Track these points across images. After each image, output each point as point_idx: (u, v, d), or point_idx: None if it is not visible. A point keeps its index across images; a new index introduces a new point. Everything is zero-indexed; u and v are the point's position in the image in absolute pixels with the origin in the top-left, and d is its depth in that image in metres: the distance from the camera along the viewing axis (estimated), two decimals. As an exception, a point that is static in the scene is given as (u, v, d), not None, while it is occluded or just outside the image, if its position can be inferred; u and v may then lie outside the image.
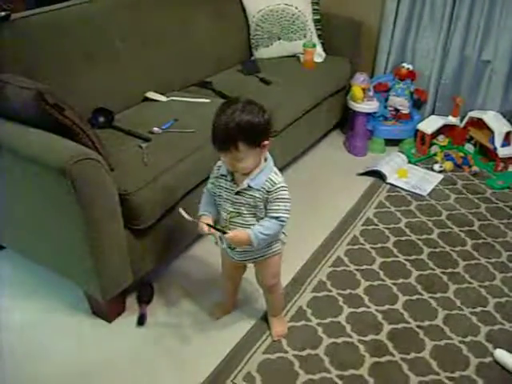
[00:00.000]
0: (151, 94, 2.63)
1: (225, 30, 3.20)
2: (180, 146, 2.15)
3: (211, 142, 1.56)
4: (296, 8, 3.23)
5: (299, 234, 2.30)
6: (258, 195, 1.61)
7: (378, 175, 3.01)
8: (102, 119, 2.33)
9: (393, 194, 2.87)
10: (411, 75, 3.31)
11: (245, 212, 1.66)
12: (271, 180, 1.61)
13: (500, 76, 3.16)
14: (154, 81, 2.70)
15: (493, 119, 3.09)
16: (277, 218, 1.62)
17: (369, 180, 3.00)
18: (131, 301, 2.10)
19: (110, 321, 2.03)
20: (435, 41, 3.28)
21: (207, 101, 2.62)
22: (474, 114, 3.19)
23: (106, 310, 2.00)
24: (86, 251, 1.77)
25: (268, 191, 1.61)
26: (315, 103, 3.09)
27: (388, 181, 2.97)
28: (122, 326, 2.01)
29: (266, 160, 1.64)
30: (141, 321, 2.01)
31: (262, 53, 3.31)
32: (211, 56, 3.08)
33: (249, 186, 1.61)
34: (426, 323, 2.00)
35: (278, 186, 1.61)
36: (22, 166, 1.73)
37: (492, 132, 3.05)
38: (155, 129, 2.25)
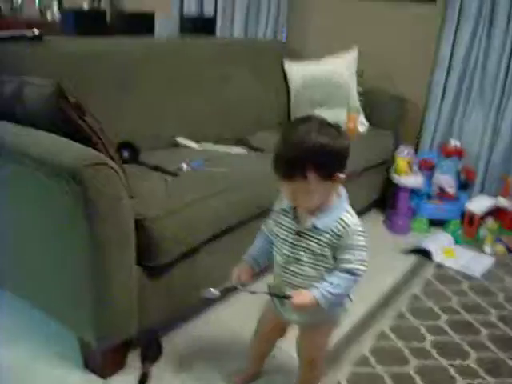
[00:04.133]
0: (182, 140, 2.45)
1: (264, 92, 3.08)
2: (209, 185, 1.92)
3: (272, 167, 1.25)
4: (341, 76, 3.12)
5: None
6: (324, 239, 1.29)
7: (423, 254, 2.70)
8: (126, 154, 2.13)
9: (441, 272, 2.54)
10: (458, 152, 3.09)
11: (304, 259, 1.33)
12: (343, 221, 1.28)
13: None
14: (188, 128, 2.54)
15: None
16: (349, 271, 1.28)
17: (413, 258, 2.69)
18: (133, 357, 1.75)
19: (104, 377, 1.67)
20: (485, 117, 3.09)
21: (243, 151, 2.42)
22: (528, 195, 2.92)
23: (102, 362, 1.66)
24: (86, 284, 1.49)
25: (338, 235, 1.28)
26: (357, 173, 2.86)
27: (435, 259, 2.66)
28: (119, 385, 1.66)
29: (339, 197, 1.33)
30: (142, 381, 1.66)
31: (301, 120, 3.15)
32: (248, 115, 2.94)
33: (314, 227, 1.30)
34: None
35: (353, 228, 1.28)
36: (23, 171, 1.49)
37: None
38: (184, 165, 2.04)
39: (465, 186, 3.20)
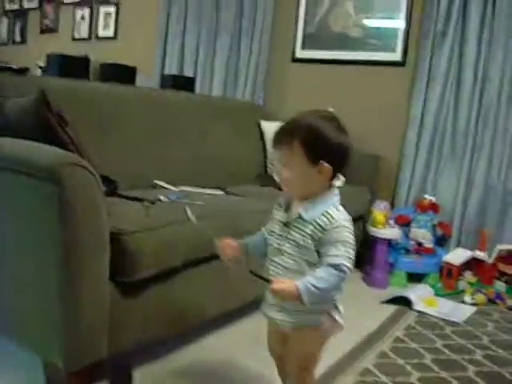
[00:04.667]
0: (161, 182, 2.44)
1: (242, 147, 3.14)
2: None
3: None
4: (316, 133, 3.19)
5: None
6: (308, 231, 1.27)
7: (403, 303, 2.65)
8: (104, 187, 2.09)
9: (423, 319, 2.49)
10: (434, 207, 3.14)
11: (288, 251, 1.31)
12: (329, 214, 1.26)
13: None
14: (167, 173, 2.54)
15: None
16: (334, 265, 1.23)
17: (393, 307, 2.63)
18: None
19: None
20: (458, 172, 3.18)
21: (220, 192, 2.42)
22: (504, 246, 2.93)
23: (69, 388, 1.54)
24: (55, 296, 1.41)
25: (322, 227, 1.26)
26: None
27: (415, 307, 2.61)
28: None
29: (331, 192, 1.32)
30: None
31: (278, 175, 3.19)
32: (227, 168, 2.97)
33: (300, 217, 1.29)
34: None
35: (338, 223, 1.25)
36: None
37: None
38: (161, 197, 2.01)
39: (441, 240, 3.22)
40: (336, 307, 1.39)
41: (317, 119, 1.30)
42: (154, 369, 1.79)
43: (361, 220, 3.18)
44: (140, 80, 3.59)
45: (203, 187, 2.56)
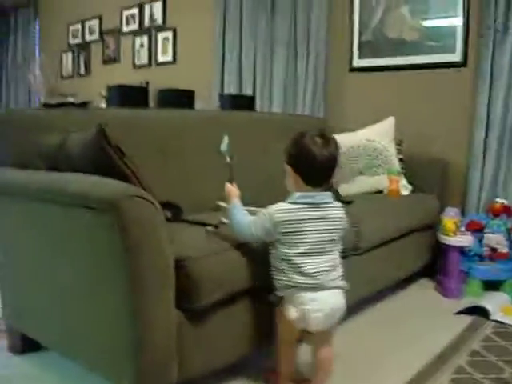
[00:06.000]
0: (223, 204, 2.46)
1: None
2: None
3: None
4: (379, 143, 3.14)
5: (392, 362, 2.02)
6: None
7: (480, 314, 2.55)
8: (169, 213, 2.15)
9: (501, 330, 2.38)
10: (506, 210, 3.00)
11: None
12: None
13: None
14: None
15: None
16: (247, 224, 1.70)
17: (469, 318, 2.54)
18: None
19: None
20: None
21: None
22: None
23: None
24: (125, 325, 1.46)
25: None
26: (402, 232, 2.80)
27: (493, 317, 2.50)
28: None
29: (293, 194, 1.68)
30: None
31: (343, 189, 3.16)
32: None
33: None
34: None
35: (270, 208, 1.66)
36: (58, 209, 1.53)
37: None
38: (224, 220, 2.03)
39: (517, 244, 3.07)
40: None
41: (301, 137, 1.68)
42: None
43: (430, 229, 3.09)
44: (199, 103, 3.67)
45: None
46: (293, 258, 1.60)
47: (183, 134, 2.49)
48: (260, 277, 1.80)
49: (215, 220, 2.04)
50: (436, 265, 3.10)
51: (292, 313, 1.62)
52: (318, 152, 1.60)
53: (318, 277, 1.60)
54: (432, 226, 3.09)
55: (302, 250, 1.60)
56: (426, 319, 2.54)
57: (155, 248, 1.45)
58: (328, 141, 1.63)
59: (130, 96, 2.70)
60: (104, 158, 1.52)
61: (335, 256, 1.68)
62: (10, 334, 2.07)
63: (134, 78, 4.85)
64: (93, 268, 1.53)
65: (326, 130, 1.67)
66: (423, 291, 2.97)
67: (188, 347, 1.60)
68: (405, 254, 2.89)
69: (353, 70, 3.77)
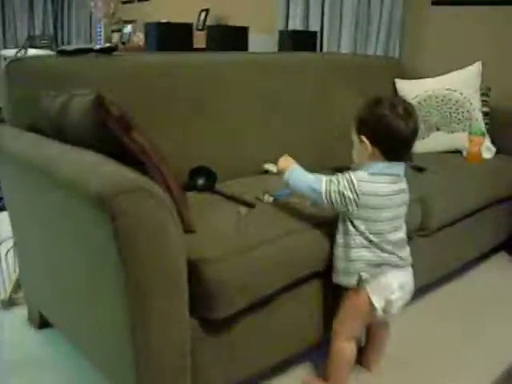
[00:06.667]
0: (271, 166, 2.13)
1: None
2: (292, 219, 1.58)
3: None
4: (461, 94, 2.66)
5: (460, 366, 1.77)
6: None
7: None
8: (200, 181, 1.86)
9: None
10: None
11: None
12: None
13: None
14: (280, 155, 2.22)
15: None
16: (322, 180, 1.47)
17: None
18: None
19: None
20: None
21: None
22: None
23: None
24: (126, 339, 1.20)
25: None
26: (480, 206, 2.37)
27: None
28: None
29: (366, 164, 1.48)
30: None
31: (415, 147, 2.73)
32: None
33: None
34: None
35: (350, 173, 1.45)
36: (55, 195, 1.26)
37: None
38: (265, 196, 1.72)
39: None
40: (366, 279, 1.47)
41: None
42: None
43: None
44: (254, 40, 3.23)
45: (324, 173, 2.21)
46: (370, 235, 1.45)
47: (223, 85, 2.13)
48: (294, 275, 1.50)
49: (255, 194, 1.73)
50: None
51: (378, 301, 1.48)
52: (403, 126, 1.44)
53: (397, 253, 1.50)
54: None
55: (380, 226, 1.46)
56: (505, 305, 2.21)
57: (158, 251, 1.14)
58: (410, 111, 1.47)
59: (170, 36, 2.34)
60: (104, 134, 1.20)
61: (405, 231, 1.56)
62: (29, 308, 1.93)
63: (196, 4, 4.51)
64: (89, 267, 1.27)
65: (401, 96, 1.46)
66: (499, 271, 2.57)
67: (206, 360, 1.34)
68: (481, 231, 2.48)
69: (436, 2, 3.23)
